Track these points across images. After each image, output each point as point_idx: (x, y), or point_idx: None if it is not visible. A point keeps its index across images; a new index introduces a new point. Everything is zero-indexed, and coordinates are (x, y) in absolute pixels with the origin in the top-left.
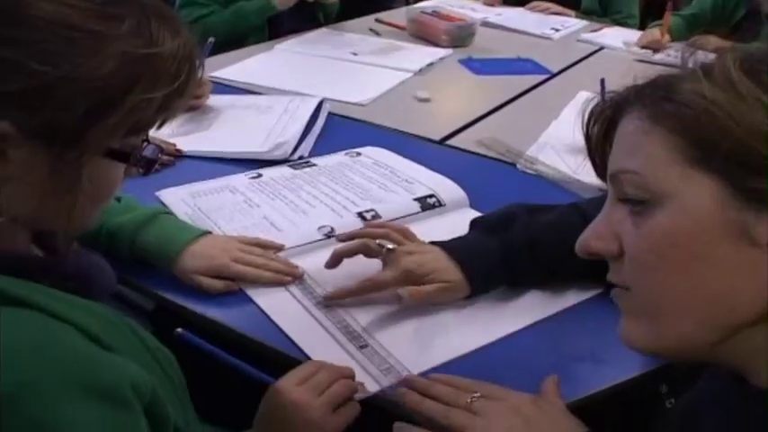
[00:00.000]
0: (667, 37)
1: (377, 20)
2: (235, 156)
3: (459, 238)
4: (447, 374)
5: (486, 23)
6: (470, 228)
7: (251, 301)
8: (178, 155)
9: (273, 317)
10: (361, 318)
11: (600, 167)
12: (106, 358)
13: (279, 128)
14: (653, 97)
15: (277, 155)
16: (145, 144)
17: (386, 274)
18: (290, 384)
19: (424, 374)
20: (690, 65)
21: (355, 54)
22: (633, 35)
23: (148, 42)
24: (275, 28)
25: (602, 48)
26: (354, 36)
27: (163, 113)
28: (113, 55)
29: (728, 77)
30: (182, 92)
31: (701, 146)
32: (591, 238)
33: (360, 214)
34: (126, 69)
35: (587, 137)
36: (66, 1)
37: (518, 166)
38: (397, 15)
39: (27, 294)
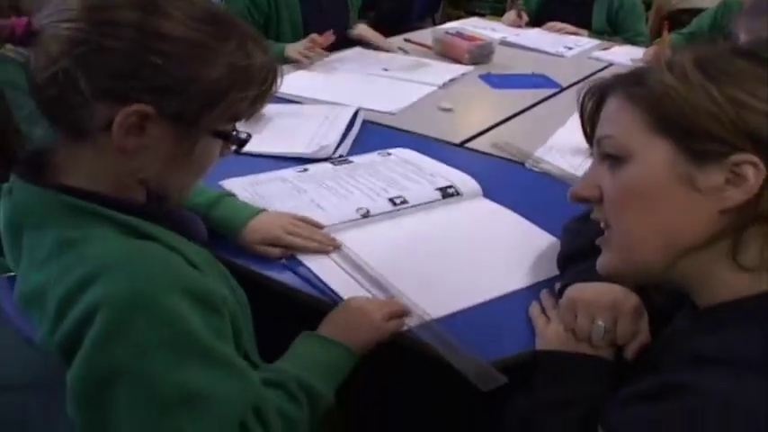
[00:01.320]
0: (668, 52)
1: (406, 39)
2: (285, 155)
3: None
4: None
5: (504, 42)
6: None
7: (302, 264)
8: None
9: (320, 275)
10: (387, 273)
11: (589, 136)
12: (202, 276)
13: (321, 132)
14: (630, 83)
15: (320, 155)
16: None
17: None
18: (359, 298)
19: (440, 319)
20: (661, 60)
21: (386, 70)
22: (640, 53)
23: (245, 57)
24: None
25: (611, 64)
26: (385, 54)
27: (252, 108)
28: (222, 64)
29: (683, 70)
30: (267, 93)
31: (660, 118)
32: (579, 188)
33: (390, 200)
34: (230, 75)
35: (581, 111)
36: (192, 25)
37: (526, 164)
38: (424, 36)
39: (152, 231)
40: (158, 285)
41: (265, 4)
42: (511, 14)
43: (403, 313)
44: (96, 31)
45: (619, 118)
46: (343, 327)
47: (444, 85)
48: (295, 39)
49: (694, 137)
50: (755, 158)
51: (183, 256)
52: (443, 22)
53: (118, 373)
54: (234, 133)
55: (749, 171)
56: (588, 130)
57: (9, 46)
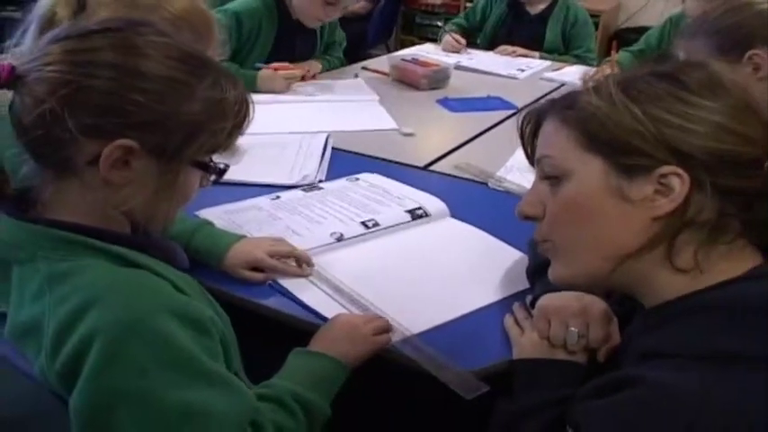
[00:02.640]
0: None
1: (363, 67)
2: (272, 184)
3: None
4: None
5: (459, 67)
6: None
7: (283, 287)
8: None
9: (301, 297)
10: (366, 293)
11: (530, 157)
12: (190, 300)
13: (299, 161)
14: (562, 106)
15: (304, 183)
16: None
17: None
18: (346, 314)
19: (419, 334)
20: (589, 84)
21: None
22: (591, 72)
23: (221, 92)
24: None
25: (563, 84)
26: (342, 82)
27: (230, 140)
28: (199, 99)
29: (608, 92)
30: (242, 125)
31: (590, 138)
32: (524, 205)
33: (363, 223)
34: (207, 109)
35: (521, 135)
36: (169, 64)
37: (489, 184)
38: (381, 63)
39: (139, 260)
40: (150, 310)
41: (248, 32)
42: (448, 40)
43: (388, 328)
44: (78, 72)
45: (554, 140)
46: (334, 341)
47: (404, 112)
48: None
49: (622, 153)
50: (679, 170)
51: (169, 281)
52: (397, 48)
53: (119, 396)
54: (212, 164)
55: (675, 182)
56: (529, 151)
57: None
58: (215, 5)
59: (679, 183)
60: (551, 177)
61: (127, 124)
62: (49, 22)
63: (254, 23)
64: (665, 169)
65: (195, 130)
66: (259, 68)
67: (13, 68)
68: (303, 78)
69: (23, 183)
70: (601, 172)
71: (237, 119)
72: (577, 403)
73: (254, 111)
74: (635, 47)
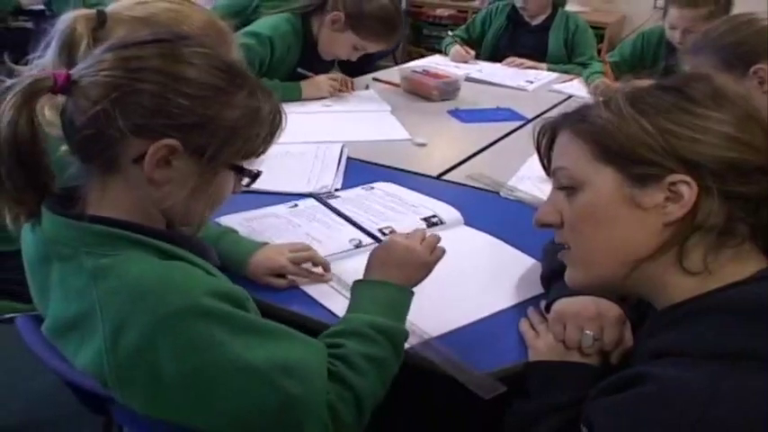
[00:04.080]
0: (616, 85)
1: (374, 78)
2: (290, 192)
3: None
4: None
5: (469, 79)
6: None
7: (305, 293)
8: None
9: (322, 302)
10: None
11: (547, 168)
12: (226, 281)
13: (316, 171)
14: (575, 119)
15: (321, 192)
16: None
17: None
18: (399, 237)
19: (438, 337)
20: (599, 98)
21: (362, 111)
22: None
23: (257, 101)
24: None
25: (571, 96)
26: (354, 93)
27: (264, 146)
28: (238, 106)
29: (618, 105)
30: (276, 133)
31: (603, 149)
32: (542, 214)
33: (380, 230)
34: (245, 115)
35: (537, 147)
36: (212, 72)
37: (501, 193)
38: (391, 74)
39: (177, 252)
40: (197, 294)
41: (278, 55)
42: (457, 50)
43: (437, 240)
44: (130, 76)
45: (569, 151)
46: (395, 266)
47: (416, 122)
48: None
49: (633, 163)
50: (688, 178)
51: (205, 270)
52: (404, 59)
53: (210, 373)
54: (247, 169)
55: (684, 189)
56: (546, 163)
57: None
58: (238, 25)
59: (688, 190)
60: (567, 188)
61: (172, 125)
62: (69, 37)
63: (284, 47)
64: (674, 177)
65: (233, 134)
66: (304, 75)
67: (69, 75)
68: (341, 90)
69: (69, 182)
70: (614, 181)
71: (272, 127)
72: (590, 402)
73: (286, 121)
74: (611, 58)
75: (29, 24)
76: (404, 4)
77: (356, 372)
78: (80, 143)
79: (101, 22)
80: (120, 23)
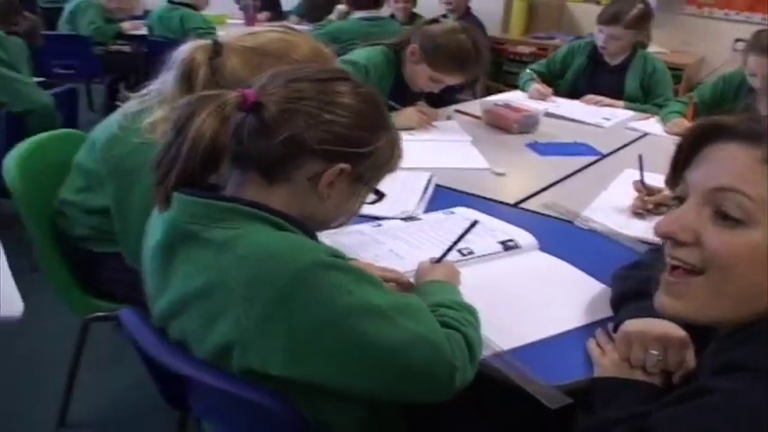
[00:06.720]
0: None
1: (456, 110)
2: (375, 216)
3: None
4: None
5: (548, 114)
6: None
7: None
8: None
9: None
10: None
11: (676, 173)
12: (340, 253)
13: (402, 196)
14: (752, 135)
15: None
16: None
17: None
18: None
19: (509, 351)
20: None
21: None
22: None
23: (395, 134)
24: None
25: (646, 134)
26: (437, 123)
27: (389, 172)
28: (389, 140)
29: None
30: (399, 161)
31: None
32: (672, 227)
33: (459, 251)
34: (390, 147)
35: (682, 145)
36: (382, 112)
37: (575, 222)
38: (473, 107)
39: (291, 229)
40: (320, 251)
41: (373, 84)
42: (537, 88)
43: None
44: (326, 108)
45: (751, 177)
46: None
47: (497, 153)
48: None
49: None
50: None
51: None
52: (483, 94)
53: (344, 313)
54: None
55: None
56: (679, 166)
57: None
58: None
59: None
60: (730, 217)
61: (349, 153)
62: (189, 66)
63: (378, 77)
64: None
65: (384, 163)
66: (394, 107)
67: (257, 96)
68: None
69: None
70: None
71: (400, 157)
72: (654, 413)
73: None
74: (686, 99)
75: (126, 48)
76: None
77: (459, 322)
78: (259, 158)
79: (216, 52)
80: (234, 53)
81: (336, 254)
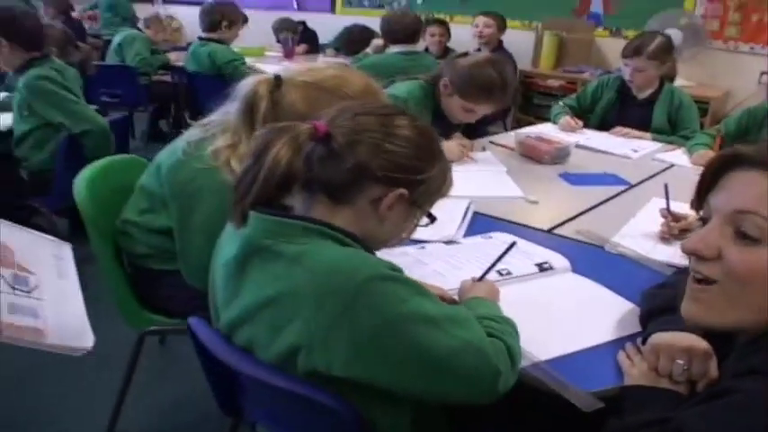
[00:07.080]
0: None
1: (491, 142)
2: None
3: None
4: None
5: (578, 146)
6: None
7: None
8: None
9: None
10: None
11: (701, 197)
12: (398, 268)
13: (444, 222)
14: None
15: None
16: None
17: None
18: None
19: (546, 361)
20: None
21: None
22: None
23: (447, 163)
24: None
25: (672, 165)
26: (472, 154)
27: (440, 197)
28: (441, 168)
29: None
30: (451, 184)
31: None
32: (698, 245)
33: (498, 272)
34: (443, 175)
35: (708, 170)
36: (433, 140)
37: (605, 248)
38: (507, 138)
39: (353, 245)
40: (380, 265)
41: (413, 112)
42: (567, 121)
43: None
44: (388, 140)
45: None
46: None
47: (530, 183)
48: None
49: None
50: None
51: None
52: (514, 126)
53: (399, 320)
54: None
55: None
56: (703, 190)
57: None
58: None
59: None
60: (748, 236)
61: (408, 180)
62: (252, 99)
63: (417, 110)
64: None
65: (435, 189)
66: None
67: (327, 127)
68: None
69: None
70: None
71: (450, 184)
72: (680, 412)
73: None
74: (712, 131)
75: (167, 78)
76: (518, 74)
77: (502, 332)
78: (327, 183)
79: (277, 85)
80: (294, 87)
81: (395, 268)
